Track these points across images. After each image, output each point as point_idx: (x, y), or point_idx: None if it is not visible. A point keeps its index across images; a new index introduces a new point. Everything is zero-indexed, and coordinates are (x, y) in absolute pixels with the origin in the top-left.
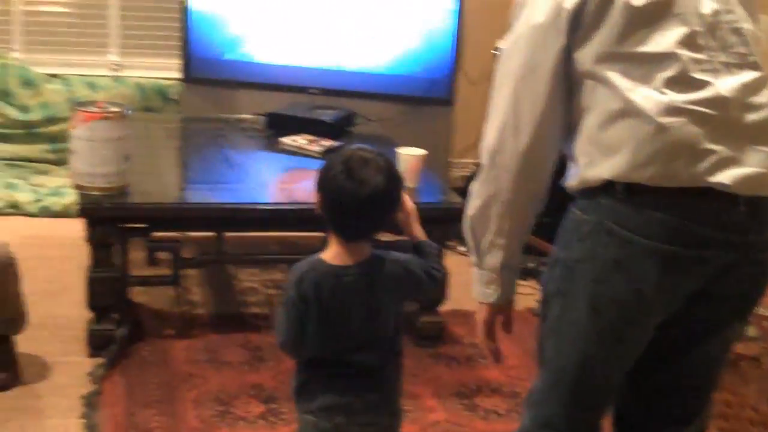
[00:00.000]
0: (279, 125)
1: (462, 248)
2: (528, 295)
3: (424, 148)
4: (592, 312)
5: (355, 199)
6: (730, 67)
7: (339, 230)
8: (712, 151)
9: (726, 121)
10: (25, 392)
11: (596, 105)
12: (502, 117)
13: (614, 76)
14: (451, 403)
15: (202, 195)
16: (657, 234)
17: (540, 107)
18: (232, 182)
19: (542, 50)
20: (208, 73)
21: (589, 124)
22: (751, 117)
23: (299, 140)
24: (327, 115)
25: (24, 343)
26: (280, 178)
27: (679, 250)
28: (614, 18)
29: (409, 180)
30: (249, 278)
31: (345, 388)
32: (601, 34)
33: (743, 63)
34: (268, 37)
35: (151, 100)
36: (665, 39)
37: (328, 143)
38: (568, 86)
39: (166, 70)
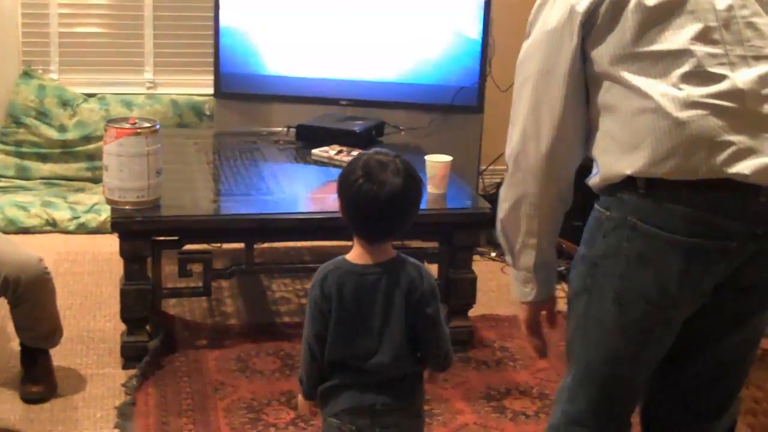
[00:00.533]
0: (309, 137)
1: (492, 254)
2: (559, 298)
3: (454, 156)
4: (618, 307)
5: (375, 202)
6: (746, 60)
7: (361, 233)
8: (731, 143)
9: (743, 112)
10: (62, 404)
11: (614, 104)
12: (523, 121)
13: (630, 76)
14: (479, 406)
15: (233, 206)
16: (679, 227)
17: (558, 109)
18: (263, 194)
19: (557, 54)
20: (240, 88)
21: (608, 122)
22: (763, 109)
23: (329, 151)
24: (356, 126)
25: (60, 356)
26: (311, 188)
27: (702, 242)
28: (627, 19)
29: (437, 186)
30: (281, 288)
31: (367, 390)
32: (615, 36)
33: (759, 55)
34: (298, 51)
35: (186, 117)
36: (679, 36)
37: (357, 153)
38: (586, 87)
39: (201, 86)
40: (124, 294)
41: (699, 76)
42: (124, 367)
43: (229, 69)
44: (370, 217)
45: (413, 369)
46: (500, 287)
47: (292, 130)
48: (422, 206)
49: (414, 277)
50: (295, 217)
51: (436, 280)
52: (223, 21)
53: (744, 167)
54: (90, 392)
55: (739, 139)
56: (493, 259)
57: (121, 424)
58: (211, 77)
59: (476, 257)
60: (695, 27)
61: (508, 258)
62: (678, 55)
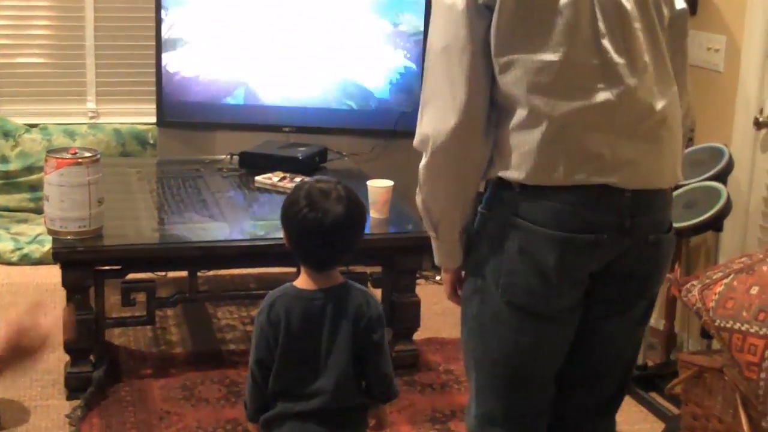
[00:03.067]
0: (252, 164)
1: (437, 277)
2: None
3: (397, 181)
4: (508, 302)
5: (320, 230)
6: (622, 71)
7: (306, 261)
8: (600, 156)
9: (613, 124)
10: None
11: (497, 103)
12: (432, 102)
13: (505, 78)
14: (425, 429)
15: (176, 235)
16: (553, 223)
17: (465, 88)
18: (207, 221)
19: (457, 36)
20: (183, 116)
21: (499, 125)
22: (638, 118)
23: (273, 178)
24: (299, 152)
25: (3, 388)
26: (255, 215)
27: (573, 235)
28: (505, 20)
29: (379, 211)
30: (226, 315)
31: (309, 420)
32: (497, 32)
33: (635, 66)
34: (240, 78)
35: (129, 145)
36: (554, 46)
37: (300, 179)
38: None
39: (143, 115)
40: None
41: (574, 89)
42: (69, 398)
43: (171, 97)
44: (315, 245)
45: (357, 401)
46: (444, 310)
47: (236, 157)
48: (365, 231)
49: (361, 303)
50: (239, 244)
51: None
52: (165, 49)
53: (614, 176)
54: (34, 424)
55: (609, 151)
56: (437, 283)
57: None
58: (154, 106)
59: (420, 281)
60: (572, 37)
61: (431, 232)
62: (552, 66)
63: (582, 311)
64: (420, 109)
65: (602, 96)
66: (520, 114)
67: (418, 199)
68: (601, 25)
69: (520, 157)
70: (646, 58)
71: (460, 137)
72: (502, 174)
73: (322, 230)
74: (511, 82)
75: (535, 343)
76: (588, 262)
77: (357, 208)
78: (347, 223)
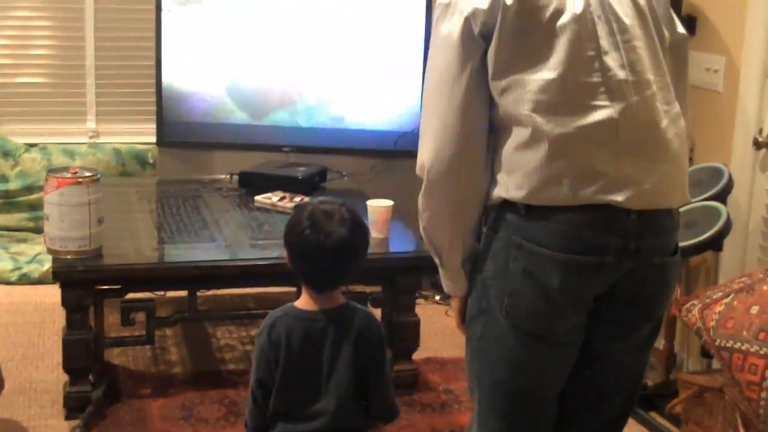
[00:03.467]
0: (252, 184)
1: (437, 297)
2: None
3: (396, 201)
4: (512, 324)
5: (322, 252)
6: (623, 88)
7: (308, 282)
8: (604, 174)
9: (616, 142)
10: None
11: (497, 127)
12: (433, 131)
13: (507, 101)
14: None
15: (175, 254)
16: (557, 245)
17: (462, 116)
18: (206, 241)
19: (457, 64)
20: (183, 136)
21: (500, 145)
22: (642, 136)
23: (272, 197)
24: (299, 172)
25: (2, 408)
26: (254, 235)
27: (578, 257)
28: (506, 41)
29: (379, 230)
30: (225, 335)
31: None
32: (497, 56)
33: (638, 81)
34: (240, 98)
35: (129, 165)
36: (555, 64)
37: (300, 199)
38: (488, 101)
39: (143, 135)
40: (66, 344)
41: (577, 107)
42: (68, 417)
43: (171, 117)
44: (317, 266)
45: (358, 422)
46: (444, 330)
47: (235, 177)
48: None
49: (363, 325)
50: (238, 264)
51: None
52: (165, 69)
53: (617, 195)
54: None
55: (613, 169)
56: (437, 303)
57: None
58: (154, 125)
59: (420, 300)
60: (573, 54)
61: (435, 259)
62: (554, 84)
63: (586, 333)
64: (420, 134)
65: (605, 113)
66: (523, 134)
67: (421, 227)
68: (603, 42)
69: (524, 176)
70: (649, 75)
71: (455, 166)
72: (506, 195)
73: (325, 252)
74: (512, 102)
75: (538, 365)
76: (592, 284)
77: (360, 230)
78: (350, 245)
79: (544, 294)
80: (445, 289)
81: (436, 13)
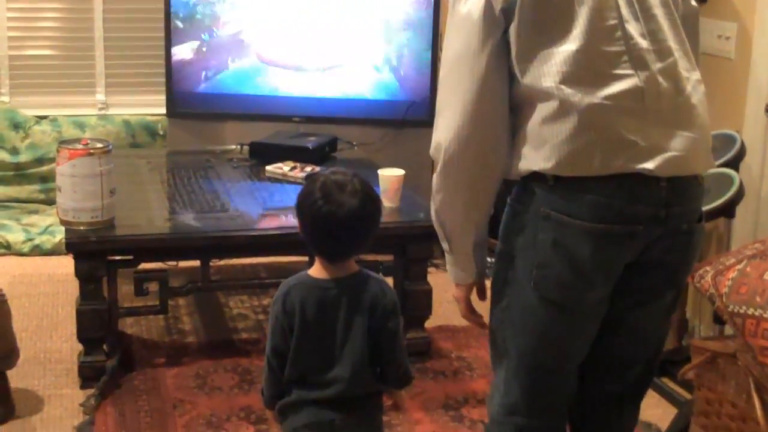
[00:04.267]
0: (262, 154)
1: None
2: None
3: (407, 170)
4: (540, 295)
5: (334, 222)
6: (647, 56)
7: (321, 252)
8: (634, 143)
9: (644, 110)
10: (20, 425)
11: (523, 101)
12: (451, 112)
13: (534, 75)
14: (438, 415)
15: (187, 225)
16: (588, 215)
17: (480, 98)
18: (218, 211)
19: (478, 43)
20: (193, 107)
21: (520, 118)
22: (667, 103)
23: (283, 167)
24: (309, 142)
25: (17, 378)
26: (265, 205)
27: (610, 227)
28: (527, 14)
29: (390, 199)
30: (238, 305)
31: (326, 407)
32: (521, 32)
33: (660, 49)
34: (251, 69)
35: (139, 137)
36: (579, 35)
37: (311, 169)
38: (507, 80)
39: (153, 106)
40: (80, 314)
41: (602, 77)
42: (82, 387)
43: (181, 88)
44: (330, 237)
45: (373, 388)
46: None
47: (246, 147)
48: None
49: (376, 292)
50: (250, 233)
51: None
52: (175, 40)
53: (648, 164)
54: (48, 413)
55: (642, 137)
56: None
57: None
58: (164, 97)
59: (431, 269)
60: (595, 24)
61: (444, 245)
62: (579, 55)
63: (610, 301)
64: (436, 114)
65: (630, 82)
66: (550, 106)
67: (432, 209)
68: (624, 11)
69: (553, 149)
70: (670, 43)
71: (473, 147)
72: (535, 168)
73: (336, 223)
74: (538, 76)
75: (564, 336)
76: (623, 253)
77: (372, 201)
78: (361, 216)
79: (573, 265)
80: (452, 276)
81: None
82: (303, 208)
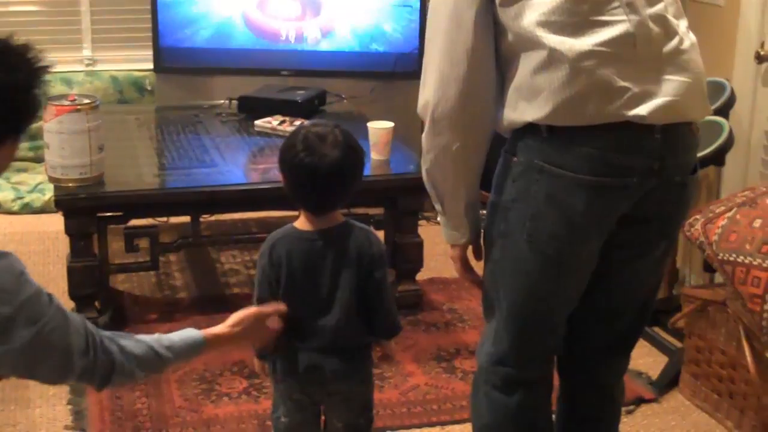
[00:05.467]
0: (251, 108)
1: (438, 218)
2: None
3: (397, 122)
4: (532, 247)
5: (316, 174)
6: (638, 1)
7: (304, 204)
8: (627, 88)
9: (635, 56)
10: (13, 383)
11: (515, 53)
12: (437, 71)
13: (526, 27)
14: (430, 367)
15: (177, 180)
16: (582, 167)
17: (470, 58)
18: (208, 166)
19: (465, 3)
20: (180, 62)
21: (510, 70)
22: (659, 48)
23: (272, 121)
24: (298, 96)
25: None
26: (255, 159)
27: (604, 179)
28: None
29: (380, 152)
30: (229, 260)
31: (314, 355)
32: None
33: None
34: (238, 22)
35: (127, 92)
36: None
37: (300, 123)
38: (494, 34)
39: (140, 61)
40: (71, 271)
41: (592, 23)
42: None
43: (168, 43)
44: (312, 189)
45: (362, 339)
46: (447, 250)
47: (234, 102)
48: (366, 172)
49: (362, 242)
50: (240, 188)
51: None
52: None
53: (641, 110)
54: None
55: (634, 83)
56: (439, 223)
57: (73, 399)
58: (151, 52)
59: (422, 222)
60: None
61: (437, 206)
62: (571, 4)
63: (602, 252)
64: (422, 72)
65: (621, 28)
66: (541, 55)
67: (423, 169)
68: None
69: (546, 99)
70: None
71: (463, 103)
72: (530, 118)
73: (318, 175)
74: (526, 26)
75: (555, 288)
76: (616, 206)
77: (354, 152)
78: (343, 167)
79: (567, 218)
80: (446, 237)
81: None
82: (285, 161)
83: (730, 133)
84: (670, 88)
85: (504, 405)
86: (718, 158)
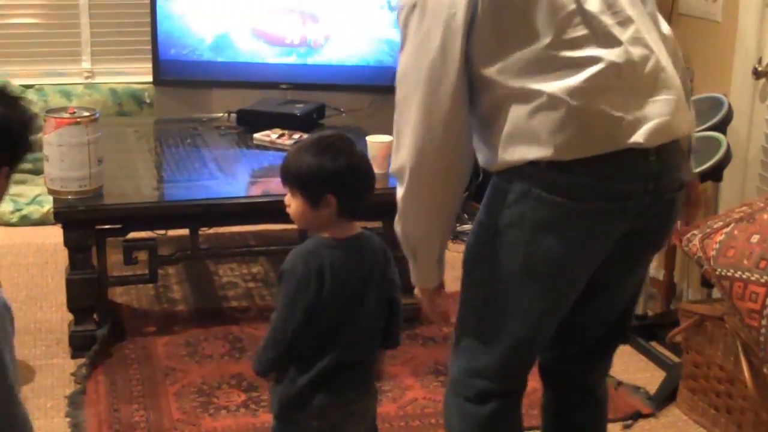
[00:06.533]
0: (250, 121)
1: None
2: None
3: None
4: (527, 273)
5: (362, 174)
6: (612, 31)
7: (350, 208)
8: (620, 119)
9: (624, 85)
10: None
11: (504, 103)
12: (415, 133)
13: (512, 78)
14: (428, 381)
15: (176, 193)
16: (582, 195)
17: (451, 119)
18: (206, 179)
19: (442, 63)
20: (179, 75)
21: (502, 119)
22: (642, 71)
23: (271, 135)
24: (297, 109)
25: None
26: (254, 173)
27: (603, 205)
28: (487, 23)
29: (379, 166)
30: (228, 273)
31: (343, 385)
32: (486, 39)
33: (623, 20)
34: (238, 36)
35: (126, 105)
36: (542, 31)
37: (299, 136)
38: (474, 91)
39: (139, 74)
40: (70, 283)
41: (575, 63)
42: (73, 356)
43: (167, 56)
44: (362, 190)
45: (376, 351)
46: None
47: (233, 115)
48: None
49: (382, 247)
50: (239, 201)
51: None
52: (161, 7)
53: (638, 137)
54: (39, 383)
55: (626, 111)
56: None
57: (71, 412)
58: (150, 65)
59: None
60: (557, 15)
61: (409, 255)
62: (549, 49)
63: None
64: (395, 133)
65: (605, 61)
66: (534, 100)
67: (397, 228)
68: None
69: (547, 139)
70: (628, 11)
71: (443, 166)
72: (532, 157)
73: (364, 174)
74: (514, 76)
75: (546, 311)
76: (615, 229)
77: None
78: (369, 164)
79: (565, 244)
80: (415, 281)
81: (402, 15)
82: (321, 170)
83: (728, 148)
84: (658, 108)
85: (477, 414)
86: (715, 174)
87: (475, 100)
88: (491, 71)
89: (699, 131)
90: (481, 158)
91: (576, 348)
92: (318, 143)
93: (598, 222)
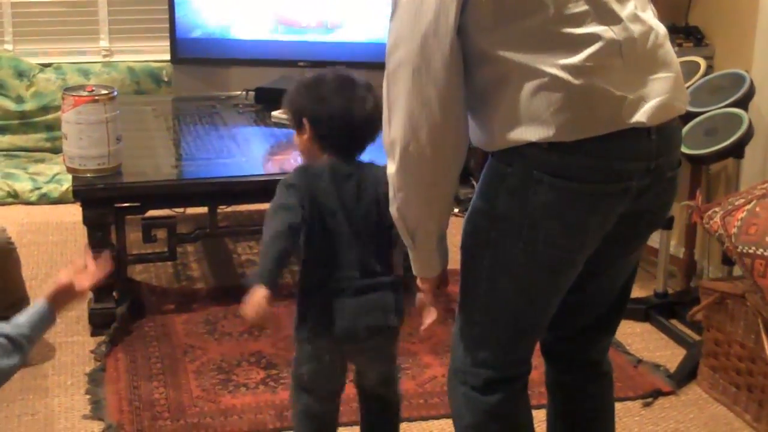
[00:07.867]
0: (268, 99)
1: (455, 209)
2: None
3: None
4: (529, 257)
5: (358, 116)
6: (614, 6)
7: (335, 148)
8: (623, 97)
9: (624, 63)
10: (32, 372)
11: (504, 80)
12: (407, 107)
13: (512, 54)
14: (447, 359)
15: (194, 171)
16: (583, 176)
17: (444, 92)
18: (225, 157)
19: (434, 33)
20: (197, 53)
21: (500, 96)
22: (642, 49)
23: None
24: None
25: None
26: (272, 150)
27: (604, 186)
28: None
29: None
30: (246, 251)
31: (351, 311)
32: (485, 14)
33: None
34: (256, 13)
35: (143, 83)
36: (543, 7)
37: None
38: (470, 65)
39: (157, 52)
40: None
41: (576, 39)
42: (93, 334)
43: (185, 34)
44: (351, 130)
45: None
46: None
47: (251, 93)
48: None
49: (383, 178)
50: (257, 179)
51: None
52: None
53: (640, 115)
54: (59, 360)
55: (628, 90)
56: (455, 215)
57: (91, 389)
58: (167, 43)
59: None
60: None
61: (407, 241)
62: (549, 25)
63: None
64: (385, 107)
65: (605, 38)
66: (536, 77)
67: (392, 207)
68: None
69: (549, 119)
70: None
71: (436, 142)
72: (533, 138)
73: (359, 117)
74: (512, 50)
75: (548, 295)
76: (616, 210)
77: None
78: (376, 112)
79: (567, 227)
80: (416, 271)
81: None
82: (317, 104)
83: (750, 125)
84: (658, 87)
85: (485, 403)
86: (737, 150)
87: (469, 76)
88: (488, 43)
89: (721, 107)
90: (475, 138)
91: (577, 327)
92: (317, 74)
93: (600, 203)
